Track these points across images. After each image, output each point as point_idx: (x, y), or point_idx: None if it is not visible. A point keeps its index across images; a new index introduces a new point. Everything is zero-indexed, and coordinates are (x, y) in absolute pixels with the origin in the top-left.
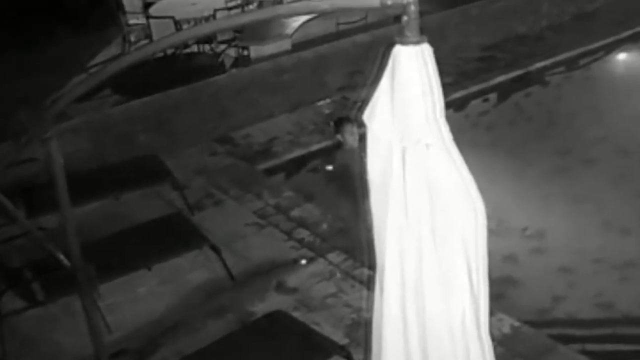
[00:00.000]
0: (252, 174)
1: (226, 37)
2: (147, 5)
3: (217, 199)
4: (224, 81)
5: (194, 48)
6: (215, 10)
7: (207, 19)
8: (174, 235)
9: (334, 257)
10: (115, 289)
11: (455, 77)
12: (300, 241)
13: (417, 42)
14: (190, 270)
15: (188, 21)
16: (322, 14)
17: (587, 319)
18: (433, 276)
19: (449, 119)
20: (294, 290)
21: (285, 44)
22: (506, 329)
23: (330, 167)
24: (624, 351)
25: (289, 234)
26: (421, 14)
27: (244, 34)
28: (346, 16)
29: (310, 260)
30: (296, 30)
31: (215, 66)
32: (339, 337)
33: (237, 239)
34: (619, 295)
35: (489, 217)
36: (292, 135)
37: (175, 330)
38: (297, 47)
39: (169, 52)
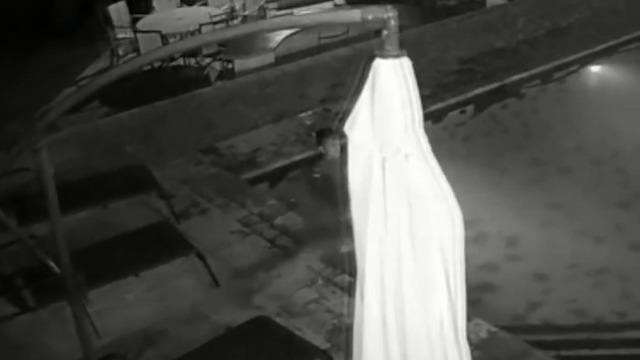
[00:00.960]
0: (236, 183)
1: (211, 50)
2: (134, 20)
3: (202, 208)
4: (209, 93)
5: (180, 61)
6: (201, 25)
7: (192, 33)
8: (161, 243)
9: (316, 264)
10: (103, 296)
11: (433, 89)
12: (283, 248)
13: (397, 56)
14: (177, 276)
15: (174, 35)
16: (304, 29)
17: (561, 325)
18: (412, 282)
19: (427, 130)
20: (277, 296)
21: (269, 58)
22: (483, 334)
23: (317, 175)
24: (597, 356)
25: (272, 242)
26: (400, 28)
27: (228, 48)
28: (328, 30)
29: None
30: (279, 44)
31: (200, 79)
32: (321, 342)
33: (222, 246)
34: (593, 301)
35: (467, 225)
36: (275, 146)
37: (162, 335)
38: (280, 60)
39: (156, 65)
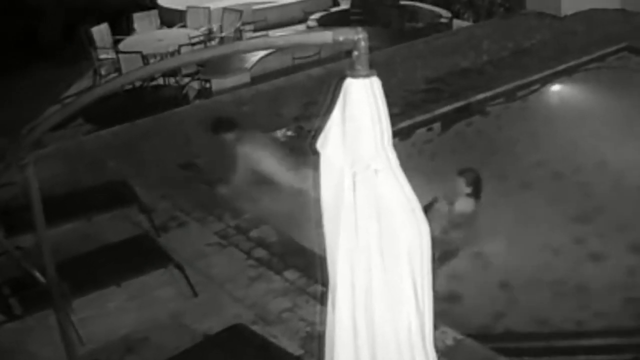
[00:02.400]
0: (213, 197)
1: (190, 70)
2: (116, 41)
3: (181, 221)
4: (188, 112)
5: (160, 81)
6: (180, 46)
7: (172, 54)
8: (141, 254)
9: (290, 274)
10: (87, 304)
11: (402, 107)
12: (259, 260)
13: (367, 75)
14: (157, 287)
15: (155, 56)
16: (278, 50)
17: (524, 333)
18: (381, 292)
19: (396, 146)
20: (253, 305)
21: (245, 77)
22: (449, 341)
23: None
24: None
25: (248, 253)
26: (370, 49)
27: (206, 68)
28: (301, 51)
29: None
30: (255, 64)
31: (179, 98)
32: (295, 349)
33: (200, 258)
34: (553, 311)
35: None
36: None
37: (143, 343)
38: (255, 80)
39: (137, 84)
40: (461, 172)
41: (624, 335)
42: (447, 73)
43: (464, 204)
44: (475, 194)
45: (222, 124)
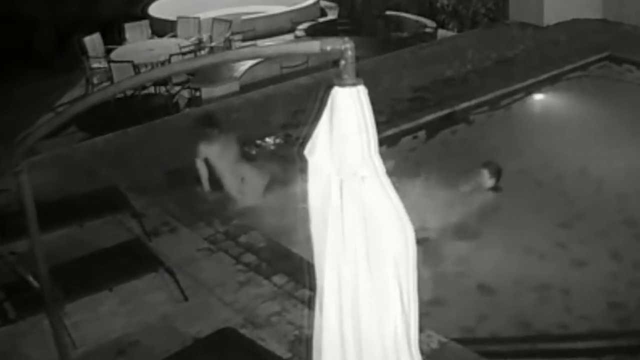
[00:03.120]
0: (203, 203)
1: (180, 79)
2: (108, 51)
3: (172, 227)
4: (178, 120)
5: (151, 90)
6: (170, 55)
7: (162, 63)
8: (133, 259)
9: (278, 279)
10: (79, 308)
11: (388, 116)
12: (248, 265)
13: (354, 84)
14: (148, 291)
15: (146, 65)
16: (267, 59)
17: (508, 337)
18: (368, 296)
19: (382, 154)
20: (242, 309)
21: (234, 86)
22: (434, 345)
23: None
24: None
25: (237, 258)
26: (357, 58)
27: (196, 77)
28: (289, 61)
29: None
30: (244, 73)
31: (170, 106)
32: (283, 352)
33: (190, 262)
34: (536, 315)
35: (420, 243)
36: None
37: (134, 346)
38: (244, 88)
39: (129, 93)
40: (485, 165)
41: (606, 338)
42: (432, 82)
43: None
44: (498, 186)
45: (206, 121)
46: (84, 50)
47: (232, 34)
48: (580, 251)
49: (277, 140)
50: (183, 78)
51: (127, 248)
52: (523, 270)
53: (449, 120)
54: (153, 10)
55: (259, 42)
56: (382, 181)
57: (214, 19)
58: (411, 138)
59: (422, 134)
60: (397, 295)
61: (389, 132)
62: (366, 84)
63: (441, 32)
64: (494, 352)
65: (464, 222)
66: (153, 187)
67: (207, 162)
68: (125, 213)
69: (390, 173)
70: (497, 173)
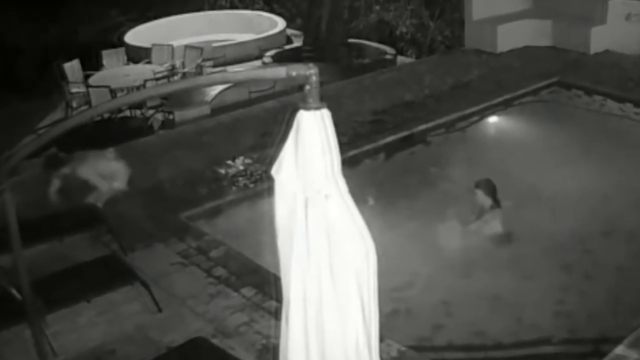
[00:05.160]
0: (176, 220)
1: (154, 103)
2: (86, 76)
3: (146, 242)
4: (153, 141)
5: (127, 113)
6: (145, 81)
7: (138, 88)
8: (110, 273)
9: (247, 291)
10: (59, 319)
11: (350, 137)
12: (218, 278)
13: (318, 108)
14: (124, 303)
15: (122, 90)
16: (236, 84)
17: (463, 345)
18: (331, 307)
19: (344, 174)
20: (213, 319)
21: (205, 110)
22: (394, 353)
23: None
24: None
25: (208, 272)
26: (321, 83)
27: (169, 101)
28: (257, 85)
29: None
30: (214, 97)
31: (145, 128)
32: None
33: (164, 276)
34: (489, 324)
35: (380, 259)
36: (209, 187)
37: (111, 354)
38: (215, 112)
39: (106, 116)
40: (477, 185)
41: (556, 344)
42: (391, 106)
43: (492, 217)
44: (496, 201)
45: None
46: (63, 76)
47: (204, 60)
48: (531, 264)
49: (247, 161)
50: (157, 102)
51: (104, 262)
52: (477, 282)
53: (408, 142)
54: (129, 38)
55: (229, 68)
56: (345, 199)
57: (186, 46)
58: (372, 159)
59: (382, 155)
60: (358, 306)
61: (351, 153)
62: (330, 108)
63: (400, 59)
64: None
65: (420, 235)
66: (128, 204)
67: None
68: (102, 229)
69: (351, 191)
70: (493, 190)
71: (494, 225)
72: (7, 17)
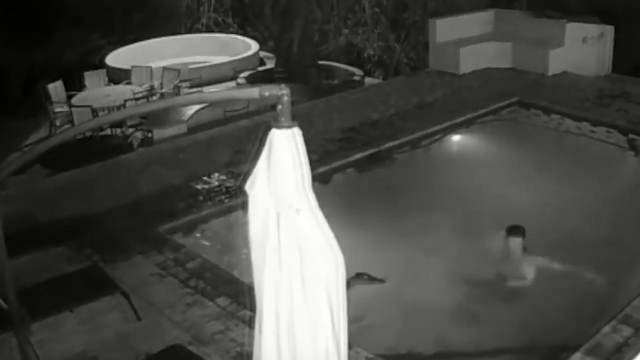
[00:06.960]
0: (155, 233)
1: (134, 122)
2: (69, 96)
3: (126, 254)
4: (133, 158)
5: (108, 131)
6: (125, 101)
7: (118, 107)
8: (92, 283)
9: (222, 301)
10: (44, 327)
11: (320, 154)
12: (195, 288)
13: (289, 126)
14: (105, 312)
15: (103, 109)
16: (212, 104)
17: (428, 354)
18: (302, 316)
19: (315, 189)
20: (190, 327)
21: (182, 128)
22: None
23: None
24: None
25: (185, 282)
26: (292, 103)
27: (148, 120)
28: (232, 105)
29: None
30: (191, 116)
31: (125, 146)
32: None
33: (143, 286)
34: (454, 334)
35: (349, 270)
36: (186, 202)
37: None
38: (191, 130)
39: (88, 134)
40: (509, 231)
41: (516, 352)
42: (359, 124)
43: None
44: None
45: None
46: (47, 96)
47: (181, 81)
48: (492, 276)
49: (222, 177)
50: (136, 121)
51: (86, 273)
52: (443, 294)
53: (375, 159)
54: (110, 60)
55: (205, 89)
56: (315, 213)
57: (164, 68)
58: (341, 174)
59: (351, 171)
60: (328, 316)
61: (321, 169)
62: (300, 126)
63: (368, 80)
64: None
65: (388, 248)
66: (109, 218)
67: None
68: (84, 242)
69: (321, 206)
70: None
71: (528, 270)
72: None
